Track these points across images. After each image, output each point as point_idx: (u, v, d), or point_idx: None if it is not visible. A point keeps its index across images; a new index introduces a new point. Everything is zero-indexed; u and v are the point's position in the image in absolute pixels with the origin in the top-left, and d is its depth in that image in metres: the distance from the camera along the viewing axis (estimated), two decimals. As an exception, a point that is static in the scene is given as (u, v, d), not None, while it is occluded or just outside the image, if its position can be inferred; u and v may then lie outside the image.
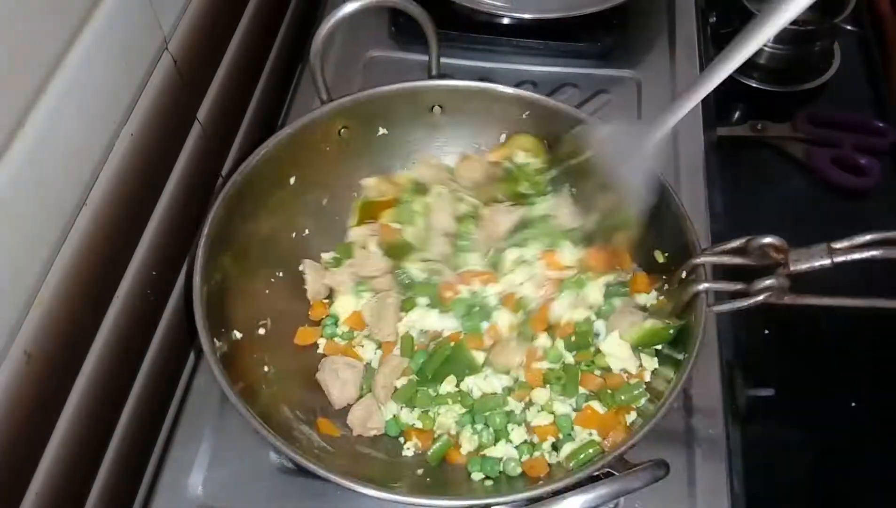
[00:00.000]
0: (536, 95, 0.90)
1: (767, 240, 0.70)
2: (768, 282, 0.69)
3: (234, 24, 0.98)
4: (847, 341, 1.03)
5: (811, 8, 1.42)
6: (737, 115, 1.28)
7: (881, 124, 1.25)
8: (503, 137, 0.94)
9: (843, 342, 1.03)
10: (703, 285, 0.74)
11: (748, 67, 1.32)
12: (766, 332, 1.08)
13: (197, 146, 0.89)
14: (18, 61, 0.58)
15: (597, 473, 0.66)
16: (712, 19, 1.27)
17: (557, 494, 0.64)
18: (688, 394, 0.83)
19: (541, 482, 0.68)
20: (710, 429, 0.81)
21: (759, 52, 1.31)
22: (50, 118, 0.62)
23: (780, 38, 1.28)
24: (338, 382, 0.80)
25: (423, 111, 0.93)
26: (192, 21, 0.85)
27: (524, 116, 0.91)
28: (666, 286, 0.82)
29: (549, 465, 0.76)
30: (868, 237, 0.66)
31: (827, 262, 0.67)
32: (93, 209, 0.69)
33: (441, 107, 0.92)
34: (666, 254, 0.83)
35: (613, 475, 0.65)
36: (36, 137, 0.60)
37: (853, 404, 1.02)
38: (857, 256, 0.66)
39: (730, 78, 1.37)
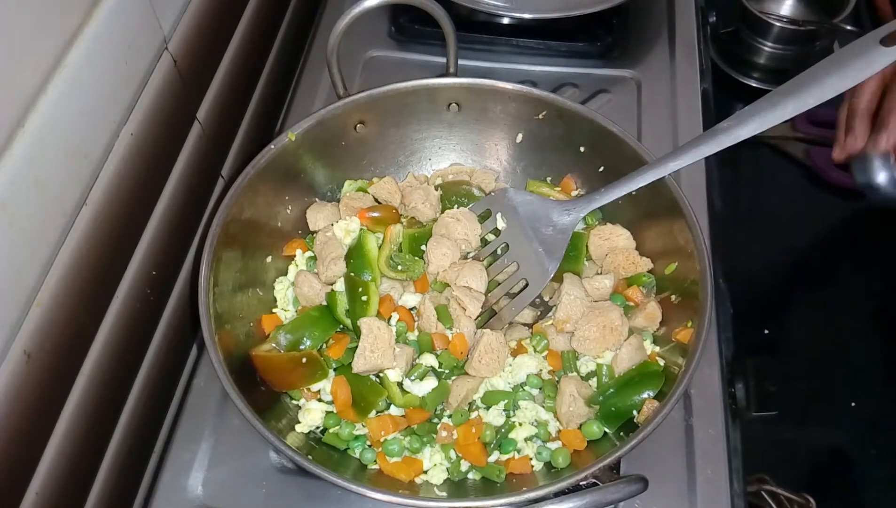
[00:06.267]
0: (555, 96, 0.90)
1: None
2: None
3: (234, 24, 0.98)
4: (847, 340, 1.03)
5: (811, 8, 1.44)
6: (737, 115, 1.28)
7: (881, 124, 1.25)
8: (520, 137, 0.94)
9: (842, 342, 1.04)
10: None
11: (748, 66, 1.33)
12: (766, 332, 1.08)
13: (197, 146, 0.89)
14: (18, 61, 0.58)
15: (583, 482, 0.67)
16: (712, 19, 1.27)
17: (537, 501, 0.65)
18: (688, 394, 0.83)
19: (524, 487, 0.69)
20: (710, 429, 0.81)
21: (759, 52, 1.33)
22: (50, 118, 0.62)
23: (780, 37, 1.28)
24: None
25: (440, 108, 0.93)
26: (192, 21, 0.85)
27: (540, 116, 0.91)
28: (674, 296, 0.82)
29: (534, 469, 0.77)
30: None
31: None
32: (93, 209, 0.69)
33: (458, 105, 0.93)
34: (675, 265, 0.83)
35: (597, 484, 0.66)
36: (36, 137, 0.60)
37: (853, 404, 1.02)
38: None
39: (730, 78, 1.38)
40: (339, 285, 0.84)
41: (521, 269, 0.85)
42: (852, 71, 0.70)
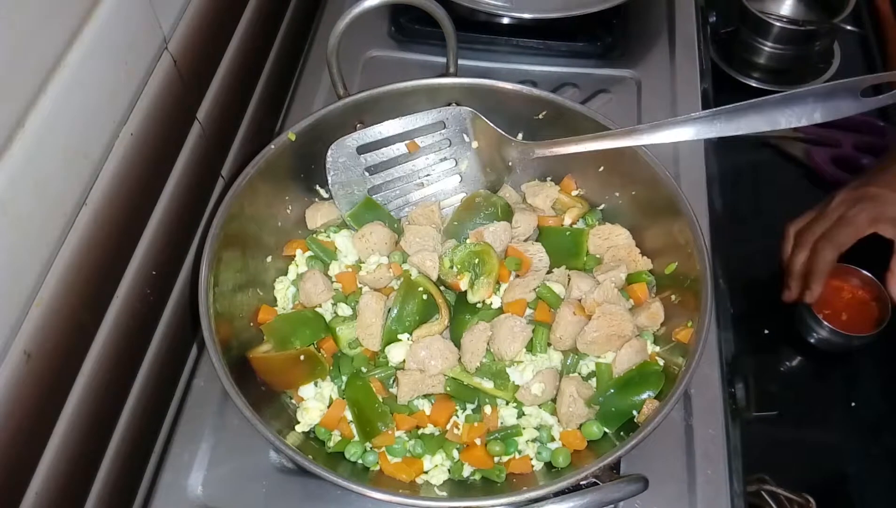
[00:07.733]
0: (555, 96, 0.90)
1: None
2: None
3: (234, 24, 0.98)
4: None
5: (811, 8, 1.44)
6: (737, 115, 1.28)
7: (881, 124, 1.25)
8: (520, 136, 0.94)
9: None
10: None
11: (748, 66, 1.33)
12: (766, 332, 1.08)
13: (197, 146, 0.89)
14: (18, 61, 0.58)
15: (583, 482, 0.67)
16: (712, 19, 1.27)
17: (537, 501, 0.65)
18: (688, 394, 0.83)
19: (524, 487, 0.69)
20: (710, 429, 0.81)
21: (759, 52, 1.33)
22: (50, 118, 0.62)
23: (780, 37, 1.28)
24: None
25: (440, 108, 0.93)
26: (192, 21, 0.85)
27: (540, 116, 0.91)
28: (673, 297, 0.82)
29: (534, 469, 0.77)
30: None
31: None
32: (93, 209, 0.69)
33: (458, 104, 0.92)
34: (675, 264, 0.83)
35: (597, 484, 0.66)
36: (36, 137, 0.60)
37: (853, 404, 1.02)
38: None
39: (730, 78, 1.38)
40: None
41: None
42: (826, 111, 0.72)
